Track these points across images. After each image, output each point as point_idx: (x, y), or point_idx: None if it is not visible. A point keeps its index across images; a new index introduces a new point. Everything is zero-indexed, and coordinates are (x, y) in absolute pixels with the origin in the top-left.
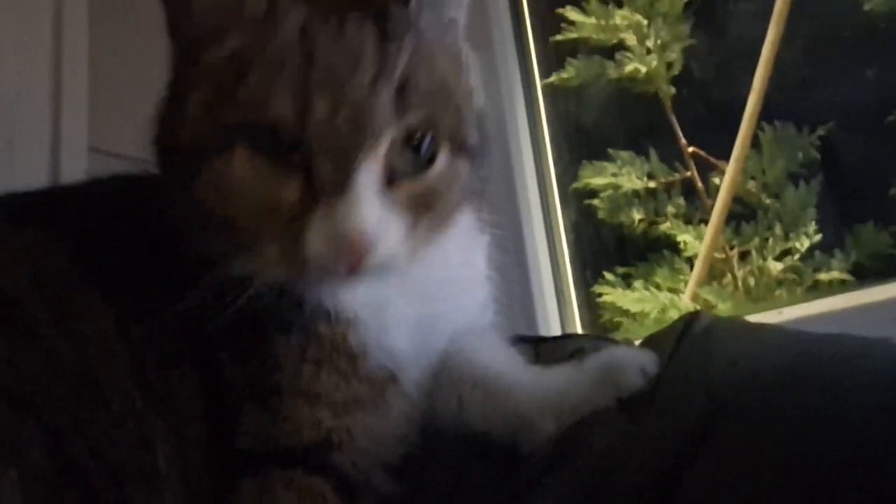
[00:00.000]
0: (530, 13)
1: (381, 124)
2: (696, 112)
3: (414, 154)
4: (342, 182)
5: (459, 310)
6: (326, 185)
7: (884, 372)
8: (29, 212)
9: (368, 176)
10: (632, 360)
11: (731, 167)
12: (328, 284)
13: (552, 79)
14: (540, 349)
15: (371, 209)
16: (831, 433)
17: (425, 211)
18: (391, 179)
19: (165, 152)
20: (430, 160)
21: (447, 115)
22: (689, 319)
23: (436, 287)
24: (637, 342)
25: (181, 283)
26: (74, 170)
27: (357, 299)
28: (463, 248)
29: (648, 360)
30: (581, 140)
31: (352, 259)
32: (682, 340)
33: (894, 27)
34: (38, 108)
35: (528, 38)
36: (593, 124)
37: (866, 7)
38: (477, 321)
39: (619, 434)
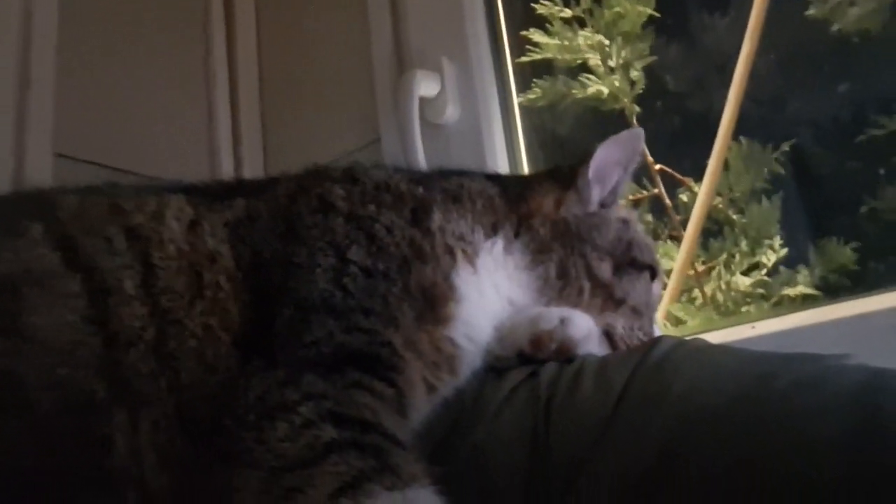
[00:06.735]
0: (508, 34)
1: None
2: (662, 129)
3: None
4: None
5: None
6: None
7: (838, 399)
8: None
9: None
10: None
11: (706, 182)
12: None
13: (520, 100)
14: None
15: None
16: (788, 466)
17: None
18: None
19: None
20: None
21: None
22: (652, 343)
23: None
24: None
25: None
26: (39, 175)
27: (472, 281)
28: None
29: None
30: (551, 158)
31: None
32: (641, 364)
33: (866, 44)
34: (3, 114)
35: (505, 55)
36: (561, 143)
37: (835, 28)
38: None
39: None
